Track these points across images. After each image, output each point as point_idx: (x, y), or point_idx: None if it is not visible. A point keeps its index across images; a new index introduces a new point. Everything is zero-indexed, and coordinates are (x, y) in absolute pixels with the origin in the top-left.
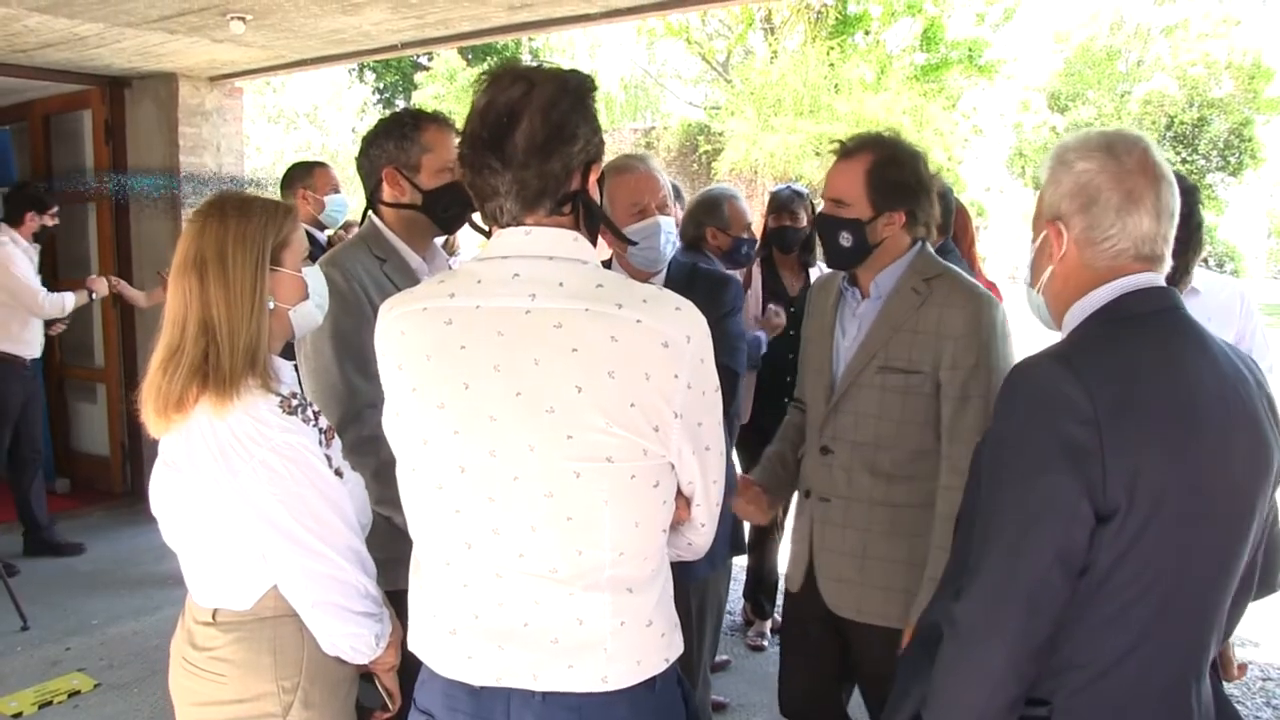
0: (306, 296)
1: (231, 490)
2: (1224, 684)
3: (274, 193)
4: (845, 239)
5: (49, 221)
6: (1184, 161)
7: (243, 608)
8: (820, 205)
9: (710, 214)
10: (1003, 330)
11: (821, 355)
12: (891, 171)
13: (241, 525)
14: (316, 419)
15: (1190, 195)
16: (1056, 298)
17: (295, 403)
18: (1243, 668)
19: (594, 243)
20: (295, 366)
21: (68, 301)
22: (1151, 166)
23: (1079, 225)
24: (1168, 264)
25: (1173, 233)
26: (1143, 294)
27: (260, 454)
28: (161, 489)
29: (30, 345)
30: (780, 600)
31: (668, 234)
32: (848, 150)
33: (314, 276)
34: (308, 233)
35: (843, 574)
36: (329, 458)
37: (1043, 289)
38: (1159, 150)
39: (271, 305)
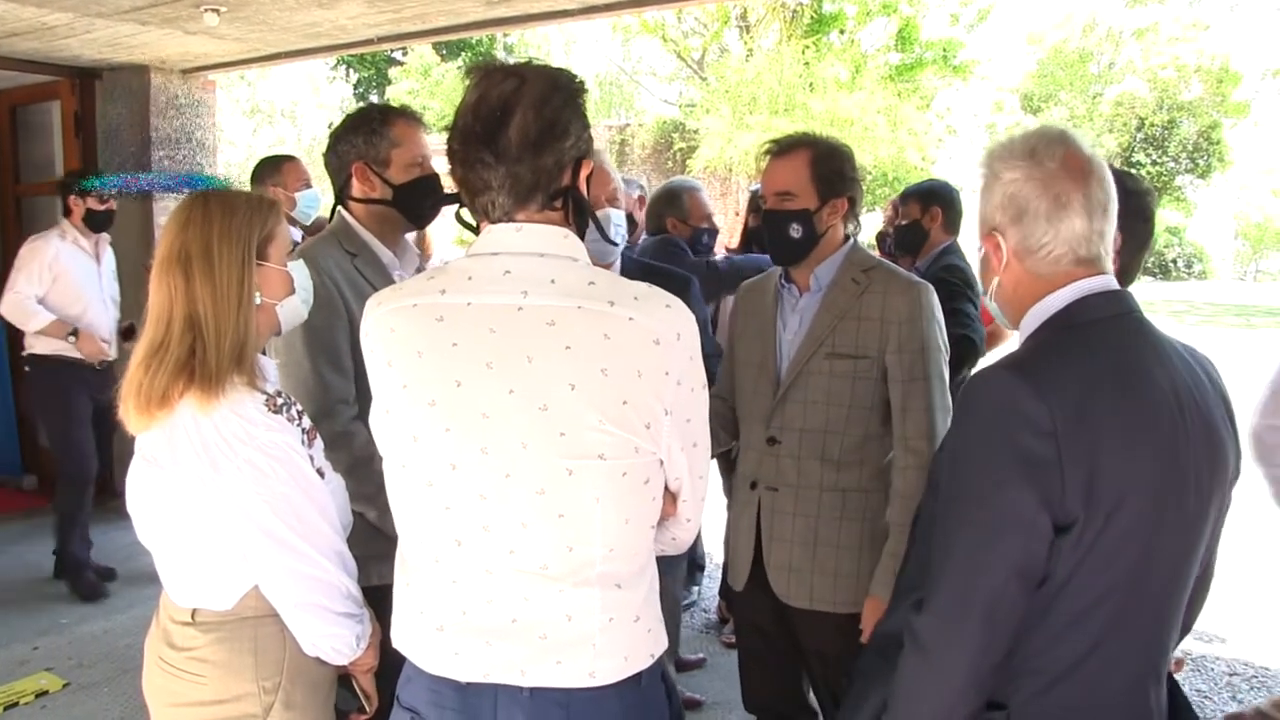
0: (293, 291)
1: (215, 489)
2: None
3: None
4: (795, 230)
5: (95, 205)
6: (1154, 164)
7: (224, 608)
8: None
9: (670, 205)
10: (940, 314)
11: (764, 350)
12: (832, 162)
13: (224, 524)
14: (300, 419)
15: (1147, 198)
16: (1008, 303)
17: (280, 401)
18: (1179, 662)
19: (582, 238)
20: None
21: (36, 321)
22: (1077, 165)
23: (1014, 237)
24: (1109, 261)
25: (1110, 228)
26: (1098, 299)
27: (246, 453)
28: (140, 486)
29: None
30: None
31: (616, 226)
32: (784, 147)
33: (299, 271)
34: None
35: (793, 562)
36: (311, 457)
37: (994, 295)
38: (1086, 143)
39: (258, 300)
